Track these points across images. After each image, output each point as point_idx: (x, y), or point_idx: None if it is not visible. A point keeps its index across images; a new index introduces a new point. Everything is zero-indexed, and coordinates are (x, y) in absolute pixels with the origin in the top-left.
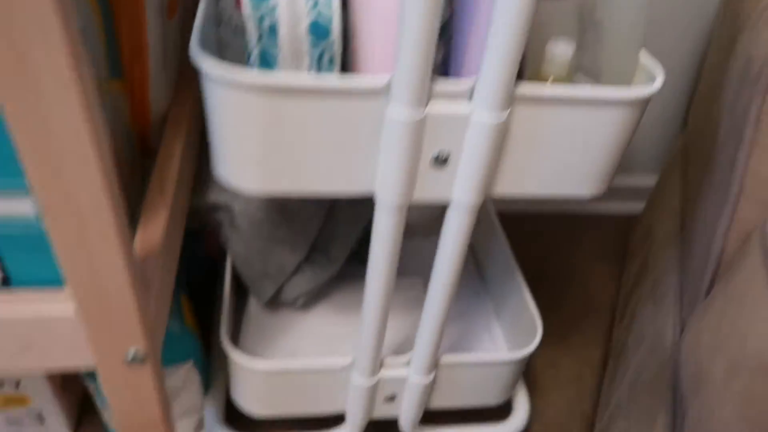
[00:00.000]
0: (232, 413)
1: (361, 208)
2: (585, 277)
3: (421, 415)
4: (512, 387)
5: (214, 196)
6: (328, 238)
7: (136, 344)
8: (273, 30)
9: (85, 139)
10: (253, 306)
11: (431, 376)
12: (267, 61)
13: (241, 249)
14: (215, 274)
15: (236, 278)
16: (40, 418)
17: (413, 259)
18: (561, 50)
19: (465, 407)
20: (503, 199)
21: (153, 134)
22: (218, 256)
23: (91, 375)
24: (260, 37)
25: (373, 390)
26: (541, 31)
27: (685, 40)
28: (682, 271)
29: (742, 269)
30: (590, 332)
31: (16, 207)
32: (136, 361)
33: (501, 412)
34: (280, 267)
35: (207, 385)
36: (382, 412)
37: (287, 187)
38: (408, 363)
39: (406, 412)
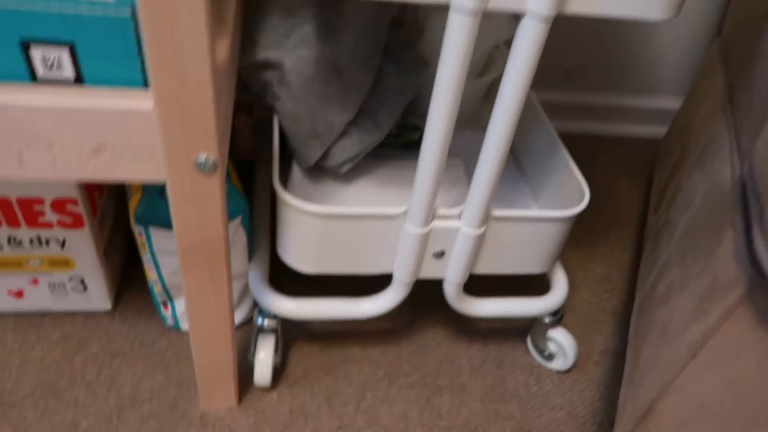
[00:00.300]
0: (275, 279)
1: (407, 78)
2: (612, 192)
3: (466, 277)
4: (556, 256)
5: (264, 53)
6: (375, 103)
7: (208, 150)
8: None
9: None
10: (297, 178)
11: (482, 230)
12: None
13: (290, 106)
14: (250, 179)
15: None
16: (83, 285)
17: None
18: None
19: (510, 273)
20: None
21: None
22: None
23: (143, 220)
24: None
25: (424, 241)
26: None
27: None
28: (736, 124)
29: None
30: (618, 240)
31: None
32: (207, 168)
33: (540, 291)
34: (329, 125)
35: (250, 252)
36: (430, 270)
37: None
38: (459, 216)
39: (453, 271)
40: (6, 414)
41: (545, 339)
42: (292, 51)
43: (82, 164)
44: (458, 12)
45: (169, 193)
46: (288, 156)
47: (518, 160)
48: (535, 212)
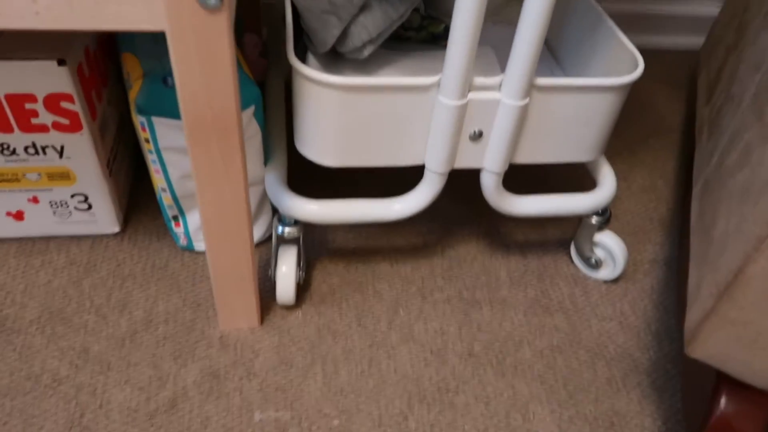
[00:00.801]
0: (294, 186)
1: None
2: (650, 102)
3: (506, 165)
4: (606, 139)
5: None
6: None
7: None
8: None
9: None
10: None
11: (525, 101)
12: None
13: None
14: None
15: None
16: (87, 203)
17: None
18: None
19: (555, 161)
20: None
21: None
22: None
23: (145, 109)
24: None
25: (461, 117)
26: None
27: None
28: None
29: None
30: (661, 149)
31: None
32: (213, 3)
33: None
34: None
35: (266, 156)
36: (466, 158)
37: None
38: (500, 86)
39: (492, 156)
40: (11, 341)
41: (592, 244)
42: None
43: (66, 5)
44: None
45: (169, 40)
46: (302, 53)
47: (550, 46)
48: (585, 80)
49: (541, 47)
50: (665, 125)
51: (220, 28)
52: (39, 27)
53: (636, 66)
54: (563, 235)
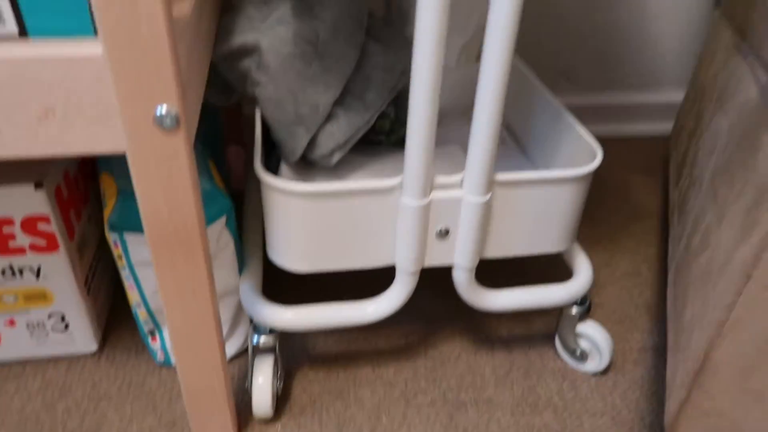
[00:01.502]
0: (269, 295)
1: (395, 57)
2: (627, 189)
3: (476, 260)
4: (574, 229)
5: (240, 38)
6: (362, 83)
7: (167, 100)
8: None
9: None
10: (285, 177)
11: (487, 197)
12: None
13: (270, 91)
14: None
15: (264, 147)
16: (63, 323)
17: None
18: None
19: (524, 254)
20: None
21: None
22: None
23: (117, 225)
24: None
25: (425, 215)
26: None
27: None
28: (754, 48)
29: None
30: (642, 234)
31: None
32: (168, 122)
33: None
34: (313, 107)
35: (240, 265)
36: (436, 255)
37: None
38: (461, 183)
39: (461, 252)
40: None
41: (575, 336)
42: (268, 31)
43: (32, 133)
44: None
45: (130, 162)
46: (276, 163)
47: (520, 141)
48: (544, 173)
49: (497, 144)
50: (644, 211)
51: (178, 147)
52: (6, 156)
53: (595, 157)
54: (548, 327)
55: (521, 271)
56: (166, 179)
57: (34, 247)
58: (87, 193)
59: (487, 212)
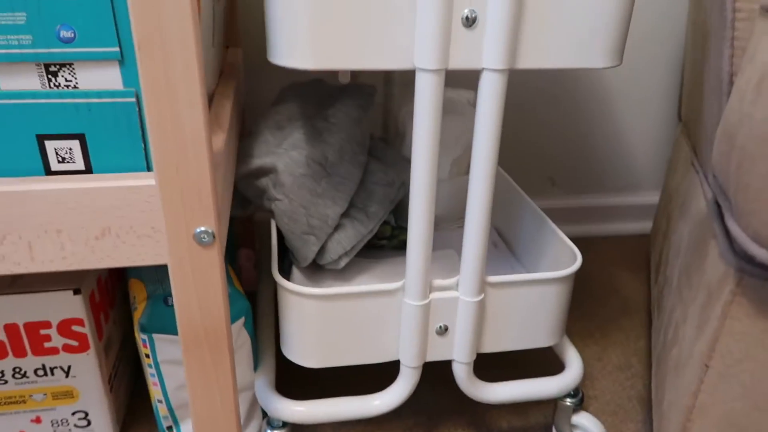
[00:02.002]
0: (283, 391)
1: (393, 173)
2: (615, 285)
3: (474, 355)
4: (562, 325)
5: (259, 161)
6: (365, 196)
7: (207, 224)
8: None
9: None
10: (298, 281)
11: (480, 297)
12: None
13: (285, 206)
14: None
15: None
16: (86, 420)
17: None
18: None
19: (517, 348)
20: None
21: None
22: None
23: (147, 328)
24: None
25: (425, 314)
26: None
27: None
28: (702, 166)
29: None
30: (631, 329)
31: (107, 79)
32: (206, 240)
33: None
34: (323, 219)
35: (255, 362)
36: (436, 351)
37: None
38: (457, 285)
39: (460, 348)
40: None
41: (570, 427)
42: (283, 154)
43: (89, 250)
44: (423, 72)
45: (171, 270)
46: (288, 266)
47: (510, 245)
48: (529, 275)
49: (486, 250)
50: (632, 305)
51: (213, 259)
52: (66, 269)
53: (575, 259)
54: (545, 419)
55: (520, 363)
56: (200, 286)
57: (67, 348)
58: (114, 297)
59: (481, 311)
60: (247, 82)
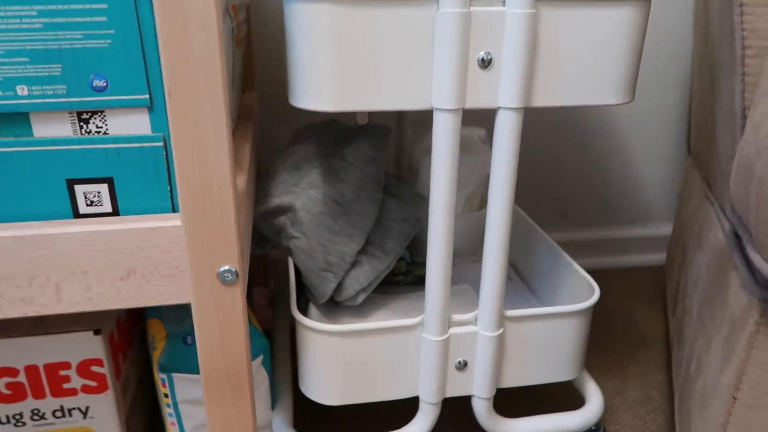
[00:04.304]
0: (300, 425)
1: (409, 210)
2: (632, 318)
3: (494, 390)
4: (581, 359)
5: (277, 200)
6: (381, 233)
7: (230, 263)
8: None
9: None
10: (315, 318)
11: (499, 331)
12: None
13: (303, 243)
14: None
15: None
16: None
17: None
18: None
19: (537, 382)
20: None
21: None
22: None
23: (167, 367)
24: None
25: (445, 350)
26: None
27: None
28: (717, 198)
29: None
30: (650, 362)
31: (136, 125)
32: (229, 279)
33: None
34: (340, 256)
35: (273, 402)
36: (456, 386)
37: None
38: (476, 320)
39: (479, 383)
40: None
41: None
42: (301, 194)
43: (115, 290)
44: (440, 111)
45: (194, 308)
46: (304, 304)
47: (525, 279)
48: (548, 309)
49: (504, 285)
50: (650, 338)
51: (235, 298)
52: (91, 309)
53: (593, 292)
54: None
55: (540, 398)
56: (223, 325)
57: (85, 389)
58: (133, 337)
59: (500, 345)
60: (261, 124)
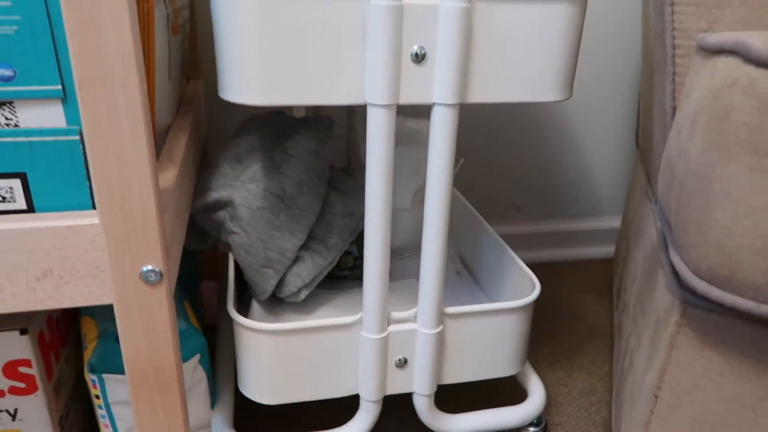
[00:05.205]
0: (241, 425)
1: (353, 203)
2: (580, 310)
3: (434, 387)
4: (522, 355)
5: (216, 194)
6: (325, 228)
7: (153, 262)
8: None
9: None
10: (257, 316)
11: (439, 329)
12: None
13: (243, 239)
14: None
15: (237, 289)
16: None
17: (407, 275)
18: None
19: (478, 378)
20: None
21: (158, 144)
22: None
23: (97, 368)
24: None
25: (384, 348)
26: None
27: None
28: (654, 195)
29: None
30: (596, 353)
31: (49, 117)
32: (153, 278)
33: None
34: (281, 252)
35: (212, 401)
36: (396, 384)
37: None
38: (415, 317)
39: (420, 380)
40: None
41: None
42: (241, 187)
43: (30, 291)
44: (374, 107)
45: (116, 309)
46: (248, 299)
47: (473, 274)
48: (487, 305)
49: (443, 282)
50: (597, 330)
51: (161, 298)
52: (5, 311)
53: (534, 288)
54: None
55: (483, 393)
56: (148, 326)
57: (13, 390)
58: (67, 336)
59: (440, 342)
60: (209, 114)
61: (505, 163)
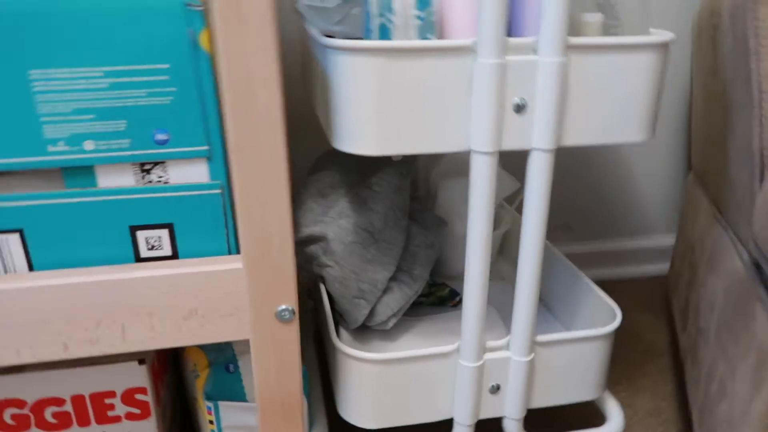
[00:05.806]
0: None
1: (432, 235)
2: (637, 329)
3: (525, 411)
4: (604, 379)
5: (308, 230)
6: (409, 259)
7: (288, 301)
8: (389, 5)
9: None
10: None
11: (531, 356)
12: (384, 32)
13: (336, 272)
14: None
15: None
16: None
17: None
18: (595, 18)
19: (564, 402)
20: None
21: None
22: None
23: (212, 396)
24: (381, 13)
25: (479, 375)
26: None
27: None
28: (731, 225)
29: None
30: (657, 373)
31: (195, 173)
32: (287, 317)
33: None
34: (372, 283)
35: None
36: (489, 408)
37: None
38: (508, 345)
39: (511, 405)
40: None
41: None
42: (332, 223)
43: (177, 329)
44: (478, 154)
45: (253, 345)
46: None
47: (544, 300)
48: (575, 333)
49: (536, 314)
50: (655, 349)
51: (292, 335)
52: (154, 348)
53: (615, 316)
54: None
55: (557, 417)
56: (279, 360)
57: (129, 416)
58: (168, 363)
59: (531, 369)
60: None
61: (555, 184)
